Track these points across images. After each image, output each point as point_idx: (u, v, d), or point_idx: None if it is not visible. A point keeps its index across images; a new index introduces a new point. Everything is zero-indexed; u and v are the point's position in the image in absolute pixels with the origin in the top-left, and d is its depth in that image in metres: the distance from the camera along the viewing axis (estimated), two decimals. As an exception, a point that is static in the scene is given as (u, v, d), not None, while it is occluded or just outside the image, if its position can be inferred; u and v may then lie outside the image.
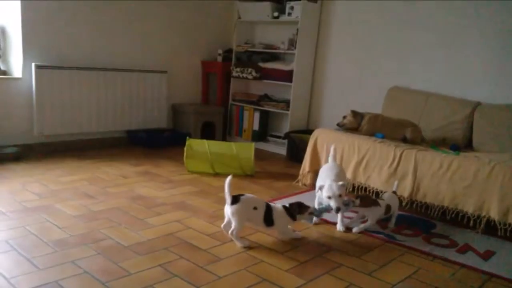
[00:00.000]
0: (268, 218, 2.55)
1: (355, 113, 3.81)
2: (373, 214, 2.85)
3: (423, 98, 4.09)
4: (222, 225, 2.67)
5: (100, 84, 4.50)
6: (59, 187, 3.30)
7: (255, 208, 2.53)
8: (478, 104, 3.82)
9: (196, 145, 3.98)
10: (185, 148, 3.93)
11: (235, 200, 2.49)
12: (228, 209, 2.52)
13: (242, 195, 2.54)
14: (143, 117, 4.92)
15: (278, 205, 2.64)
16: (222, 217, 2.93)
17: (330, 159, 3.12)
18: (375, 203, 2.84)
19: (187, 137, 4.02)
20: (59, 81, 4.19)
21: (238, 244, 2.52)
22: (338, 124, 3.87)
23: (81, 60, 4.42)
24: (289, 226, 2.69)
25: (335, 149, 3.16)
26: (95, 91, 4.47)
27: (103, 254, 2.30)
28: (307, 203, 3.29)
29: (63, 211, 2.85)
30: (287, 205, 2.63)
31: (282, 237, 2.67)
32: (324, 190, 2.70)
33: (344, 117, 3.84)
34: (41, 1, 4.06)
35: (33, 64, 4.05)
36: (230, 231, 2.53)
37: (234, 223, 2.51)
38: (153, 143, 4.86)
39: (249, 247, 2.51)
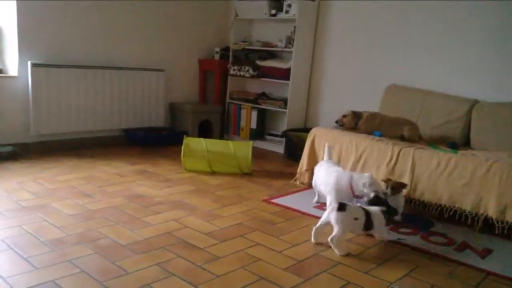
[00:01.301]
0: (368, 224, 2.53)
1: (355, 114, 3.80)
2: (401, 199, 3.00)
3: (421, 96, 4.09)
4: (314, 228, 2.62)
5: (97, 82, 4.48)
6: (55, 186, 3.29)
7: (356, 219, 2.51)
8: (476, 102, 3.83)
9: (194, 144, 3.97)
10: (182, 147, 3.92)
11: (341, 207, 2.45)
12: (332, 215, 2.48)
13: (347, 204, 2.50)
14: (140, 115, 4.91)
15: (374, 208, 2.62)
16: (220, 216, 2.94)
17: (326, 157, 3.23)
18: (403, 186, 2.99)
19: (185, 136, 4.01)
20: (55, 80, 4.18)
21: (337, 252, 2.48)
22: (336, 122, 3.86)
23: (77, 58, 4.40)
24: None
25: (329, 148, 3.27)
26: (92, 89, 4.45)
27: (100, 253, 2.29)
28: (305, 201, 3.30)
29: (59, 210, 2.84)
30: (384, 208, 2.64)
31: (380, 238, 2.70)
32: (370, 185, 2.81)
33: (345, 116, 3.82)
34: (35, 0, 4.05)
35: (29, 63, 4.03)
36: (330, 238, 2.49)
37: (337, 229, 2.47)
38: (150, 141, 4.85)
39: (348, 254, 2.49)
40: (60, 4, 4.20)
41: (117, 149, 4.61)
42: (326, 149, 3.30)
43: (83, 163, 3.96)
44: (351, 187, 2.89)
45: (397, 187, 2.95)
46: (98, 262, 2.20)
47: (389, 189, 2.91)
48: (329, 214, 2.51)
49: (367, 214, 2.54)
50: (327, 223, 2.54)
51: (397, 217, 3.02)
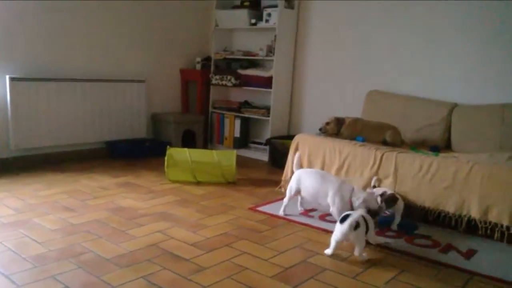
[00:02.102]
0: (367, 227, 2.57)
1: (338, 120, 3.82)
2: (399, 209, 3.04)
3: (402, 101, 4.14)
4: (329, 252, 2.57)
5: (78, 95, 4.43)
6: (37, 201, 3.23)
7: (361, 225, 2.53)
8: (455, 105, 3.89)
9: (177, 154, 3.95)
10: (166, 158, 3.90)
11: (357, 225, 2.46)
12: (352, 236, 2.48)
13: (358, 220, 2.48)
14: (122, 127, 4.86)
15: (362, 211, 2.65)
16: (205, 226, 2.92)
17: (297, 166, 3.30)
18: (395, 199, 3.02)
19: (168, 146, 3.99)
20: (35, 93, 4.12)
21: (364, 258, 2.53)
22: (320, 129, 3.88)
23: (57, 71, 4.35)
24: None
25: (298, 157, 3.37)
26: (72, 102, 4.40)
27: (84, 268, 2.25)
28: (290, 208, 3.29)
29: (41, 225, 2.78)
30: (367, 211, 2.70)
31: (374, 241, 2.73)
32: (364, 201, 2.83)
33: (328, 124, 3.84)
34: (13, 13, 3.99)
35: (7, 77, 3.97)
36: (360, 257, 2.51)
37: (359, 245, 2.51)
38: (133, 153, 4.81)
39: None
40: (38, 16, 4.15)
41: (99, 162, 4.55)
42: (297, 157, 3.34)
43: (65, 177, 3.90)
44: (351, 202, 2.90)
45: (390, 201, 2.99)
46: (82, 277, 2.16)
47: (383, 204, 2.92)
48: (346, 234, 2.47)
49: (365, 220, 2.55)
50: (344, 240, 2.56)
51: (393, 226, 3.04)
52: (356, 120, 3.84)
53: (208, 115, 5.55)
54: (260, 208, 3.32)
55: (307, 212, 3.28)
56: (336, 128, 3.80)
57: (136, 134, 5.01)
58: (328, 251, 2.56)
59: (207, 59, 5.52)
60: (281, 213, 3.22)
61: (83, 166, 4.32)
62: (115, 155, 4.79)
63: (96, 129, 4.64)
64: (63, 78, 4.33)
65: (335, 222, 3.00)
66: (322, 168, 3.58)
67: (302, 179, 3.14)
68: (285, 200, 3.24)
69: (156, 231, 2.78)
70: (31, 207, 3.10)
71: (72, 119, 4.42)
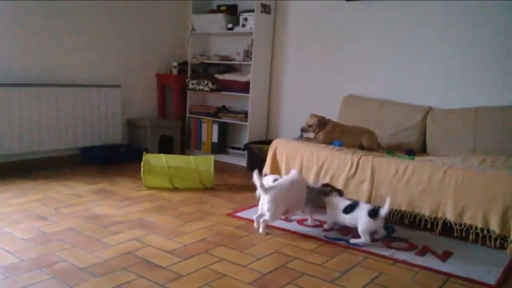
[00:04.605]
0: None
1: (320, 122, 3.80)
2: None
3: (377, 105, 4.19)
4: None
5: (51, 101, 4.33)
6: (8, 210, 3.13)
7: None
8: (429, 109, 3.95)
9: (154, 160, 3.90)
10: (142, 164, 3.84)
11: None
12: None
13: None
14: (97, 133, 4.78)
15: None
16: (182, 232, 2.88)
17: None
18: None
19: (144, 152, 3.93)
20: (5, 99, 4.01)
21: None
22: (301, 130, 3.89)
23: (29, 77, 4.25)
24: None
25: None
26: (45, 108, 4.30)
27: (58, 278, 2.19)
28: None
29: (13, 234, 2.70)
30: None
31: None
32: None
33: (310, 126, 3.83)
34: (-16, 16, 3.90)
35: (-23, 82, 3.87)
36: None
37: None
38: (108, 160, 4.72)
39: None
40: (11, 20, 4.06)
41: (73, 169, 4.46)
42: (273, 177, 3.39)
43: (38, 185, 3.81)
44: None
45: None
46: (55, 287, 2.10)
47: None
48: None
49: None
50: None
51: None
52: (334, 125, 3.86)
53: (185, 120, 5.51)
54: (238, 214, 3.30)
55: (286, 218, 3.27)
56: (318, 129, 3.81)
57: (111, 140, 4.92)
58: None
59: (183, 64, 5.49)
60: None
61: (56, 173, 4.23)
62: (89, 162, 4.70)
63: (70, 135, 4.54)
64: (36, 83, 4.24)
65: (312, 226, 3.03)
66: (300, 172, 3.58)
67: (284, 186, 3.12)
68: None
69: (132, 239, 2.73)
70: (2, 216, 3.01)
71: (45, 125, 4.32)
